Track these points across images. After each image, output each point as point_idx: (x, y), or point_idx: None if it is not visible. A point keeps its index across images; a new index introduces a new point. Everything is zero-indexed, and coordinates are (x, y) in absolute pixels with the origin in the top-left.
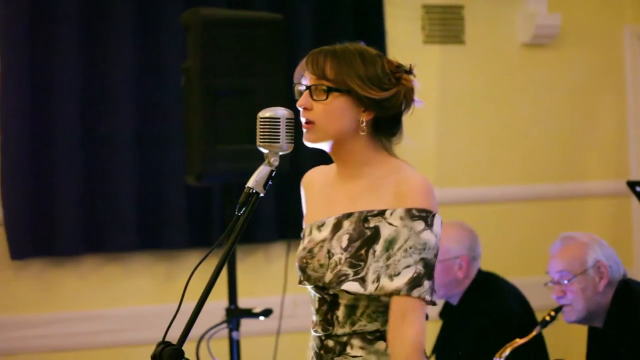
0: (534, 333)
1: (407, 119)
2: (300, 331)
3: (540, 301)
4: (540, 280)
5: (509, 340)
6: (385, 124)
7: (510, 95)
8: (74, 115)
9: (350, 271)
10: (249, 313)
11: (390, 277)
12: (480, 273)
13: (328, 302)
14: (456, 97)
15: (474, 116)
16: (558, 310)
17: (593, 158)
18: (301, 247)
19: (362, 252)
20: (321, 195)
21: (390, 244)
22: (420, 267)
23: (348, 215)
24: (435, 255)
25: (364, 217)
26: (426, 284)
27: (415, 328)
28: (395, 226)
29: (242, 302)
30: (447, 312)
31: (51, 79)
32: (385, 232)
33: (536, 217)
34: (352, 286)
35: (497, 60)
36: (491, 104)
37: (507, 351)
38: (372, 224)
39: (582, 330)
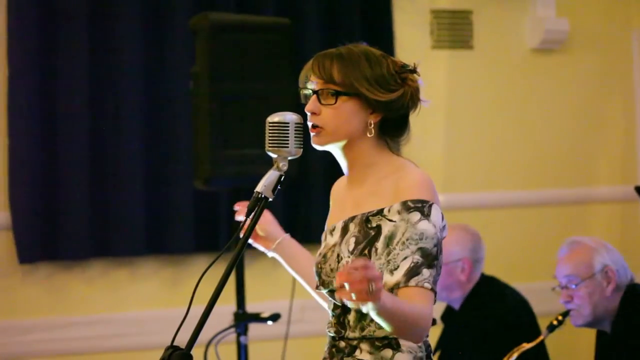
0: (541, 337)
1: (415, 124)
2: (308, 336)
3: (547, 306)
4: (548, 285)
5: (512, 344)
6: (392, 124)
7: (518, 100)
8: (82, 119)
9: None
10: (257, 318)
11: (391, 272)
12: (483, 277)
13: (341, 306)
14: (464, 102)
15: (482, 121)
16: (565, 314)
17: (601, 163)
18: (318, 252)
19: (366, 252)
20: (338, 202)
21: (390, 239)
22: (417, 257)
23: (353, 218)
24: (436, 245)
25: (366, 218)
26: (425, 272)
27: (421, 308)
28: (394, 221)
29: (250, 307)
30: (449, 316)
31: (59, 83)
32: (386, 229)
33: (544, 222)
34: None
35: (505, 65)
36: (499, 109)
37: (515, 356)
38: (374, 224)
39: (590, 334)
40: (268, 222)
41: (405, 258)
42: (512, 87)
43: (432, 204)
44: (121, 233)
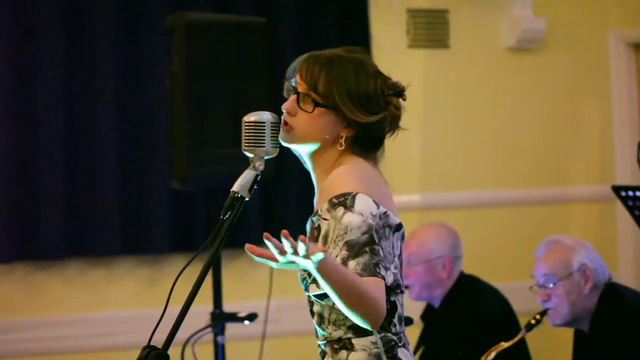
0: (519, 336)
1: None
2: (285, 335)
3: (525, 305)
4: (526, 285)
5: (492, 343)
6: (365, 141)
7: (495, 100)
8: (58, 118)
9: (306, 274)
10: (233, 317)
11: None
12: (463, 275)
13: (310, 312)
14: (441, 102)
15: (459, 121)
16: (543, 313)
17: (578, 163)
18: None
19: None
20: None
21: (325, 238)
22: (344, 252)
23: (308, 222)
24: (365, 232)
25: (311, 221)
26: (351, 263)
27: (368, 285)
28: (327, 220)
29: (227, 307)
30: (428, 315)
31: (34, 80)
32: (323, 228)
33: (522, 222)
34: (311, 289)
35: (481, 64)
36: (476, 109)
37: (493, 354)
38: (317, 224)
39: (569, 334)
40: None
41: (336, 257)
42: (489, 87)
43: (356, 194)
44: (98, 233)
